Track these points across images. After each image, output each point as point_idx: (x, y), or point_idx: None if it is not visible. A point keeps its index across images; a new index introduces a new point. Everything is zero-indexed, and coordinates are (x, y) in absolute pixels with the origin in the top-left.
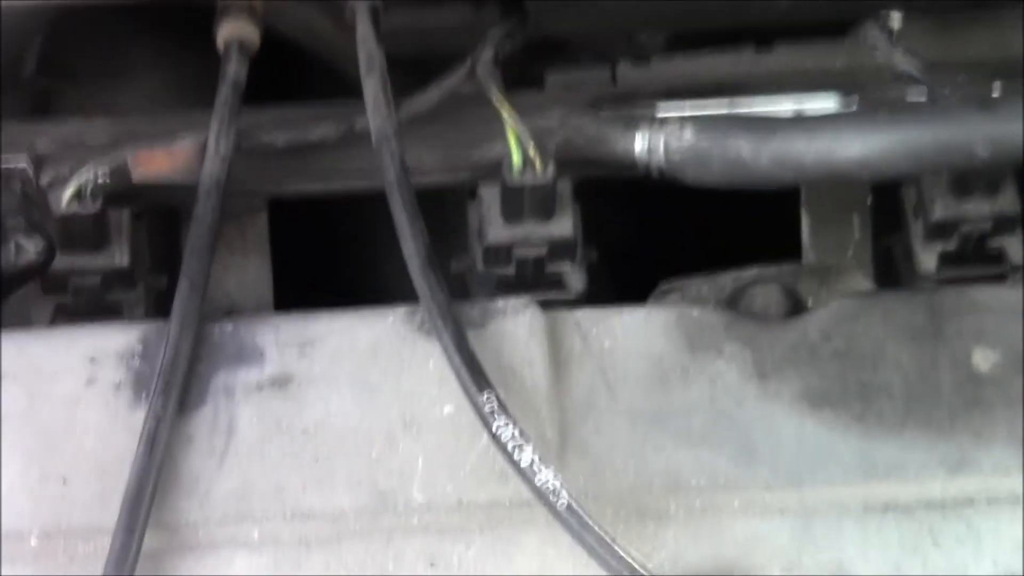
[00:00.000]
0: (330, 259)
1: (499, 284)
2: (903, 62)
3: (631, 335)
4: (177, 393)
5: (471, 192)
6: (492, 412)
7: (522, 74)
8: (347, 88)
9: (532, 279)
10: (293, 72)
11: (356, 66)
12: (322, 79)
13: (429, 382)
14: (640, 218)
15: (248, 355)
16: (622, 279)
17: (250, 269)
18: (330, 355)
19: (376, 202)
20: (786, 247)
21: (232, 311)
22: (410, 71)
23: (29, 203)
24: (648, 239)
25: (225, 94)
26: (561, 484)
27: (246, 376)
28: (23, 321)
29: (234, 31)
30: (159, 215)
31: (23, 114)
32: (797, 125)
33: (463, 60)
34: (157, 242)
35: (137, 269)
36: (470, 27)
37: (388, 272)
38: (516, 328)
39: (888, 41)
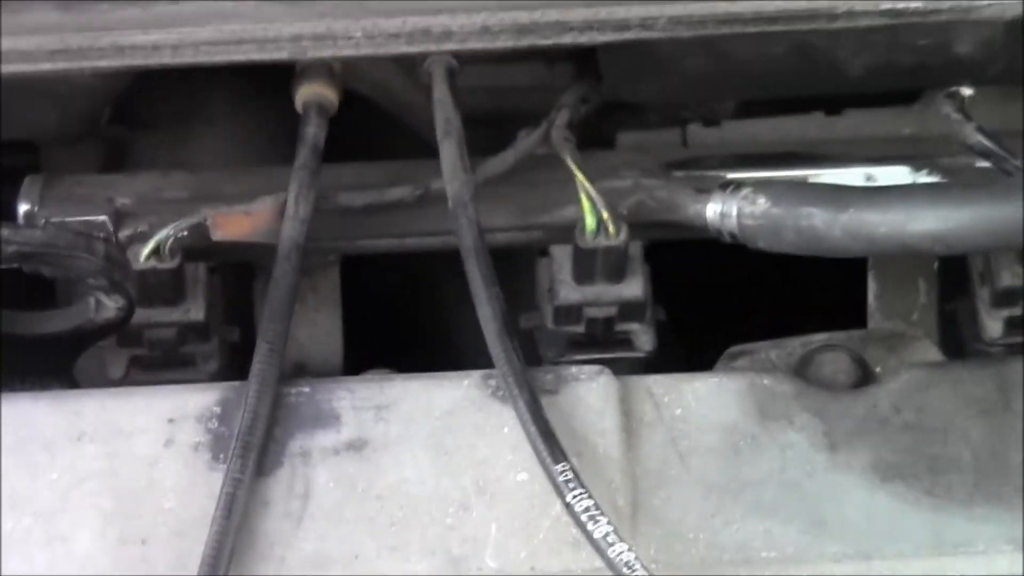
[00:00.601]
0: (402, 317)
1: (569, 343)
2: (972, 133)
3: (703, 403)
4: (255, 456)
5: (542, 251)
6: (567, 482)
7: (594, 133)
8: (421, 144)
9: (602, 339)
10: (368, 128)
11: (431, 125)
12: (397, 135)
13: (503, 448)
14: (707, 279)
15: (325, 418)
16: (690, 341)
17: (321, 323)
18: (405, 419)
19: (449, 260)
20: (852, 311)
21: (302, 364)
22: (483, 124)
23: (111, 262)
24: (714, 301)
25: (304, 156)
26: (636, 558)
27: (323, 440)
28: (97, 373)
29: (313, 93)
30: (233, 268)
31: (97, 165)
32: (870, 196)
33: (538, 123)
34: (231, 294)
35: (212, 322)
36: (543, 85)
37: (460, 331)
38: (589, 395)
39: (958, 111)
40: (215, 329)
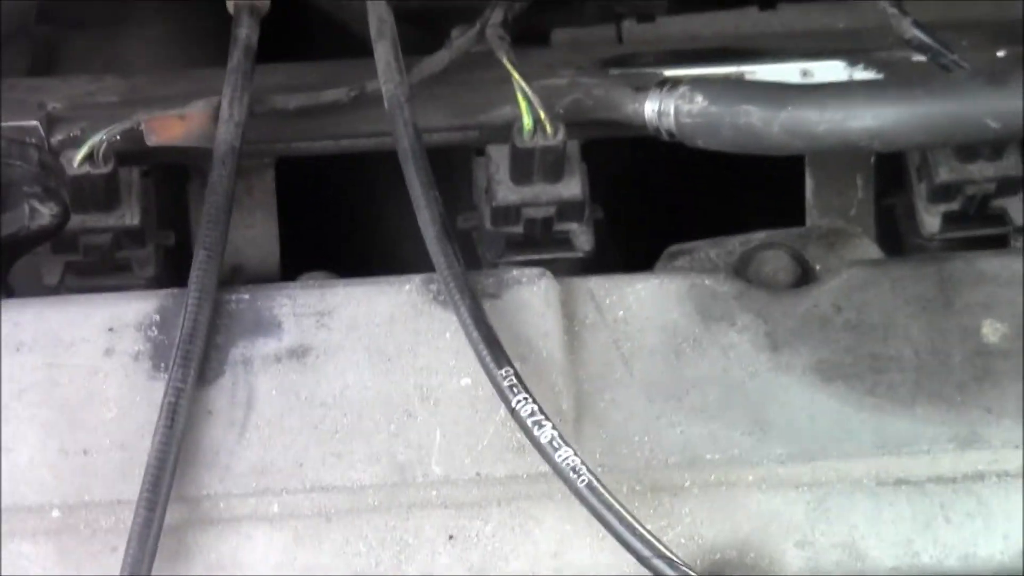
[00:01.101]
0: (340, 219)
1: (508, 243)
2: (909, 28)
3: (644, 305)
4: (196, 365)
5: (478, 151)
6: (511, 387)
7: (529, 30)
8: (357, 44)
9: (540, 238)
10: (300, 27)
11: (364, 24)
12: (331, 35)
13: (446, 354)
14: (645, 178)
15: (266, 326)
16: (627, 241)
17: (257, 226)
18: (347, 326)
19: (386, 161)
20: (790, 208)
21: (239, 268)
22: (417, 23)
23: (45, 169)
24: (653, 200)
25: (237, 59)
26: (581, 462)
27: (264, 347)
28: (32, 280)
29: None
30: (167, 171)
31: (26, 67)
32: (809, 94)
33: (472, 21)
34: (165, 199)
35: (147, 227)
36: None
37: (399, 234)
38: (531, 298)
39: (894, 5)
40: (150, 234)
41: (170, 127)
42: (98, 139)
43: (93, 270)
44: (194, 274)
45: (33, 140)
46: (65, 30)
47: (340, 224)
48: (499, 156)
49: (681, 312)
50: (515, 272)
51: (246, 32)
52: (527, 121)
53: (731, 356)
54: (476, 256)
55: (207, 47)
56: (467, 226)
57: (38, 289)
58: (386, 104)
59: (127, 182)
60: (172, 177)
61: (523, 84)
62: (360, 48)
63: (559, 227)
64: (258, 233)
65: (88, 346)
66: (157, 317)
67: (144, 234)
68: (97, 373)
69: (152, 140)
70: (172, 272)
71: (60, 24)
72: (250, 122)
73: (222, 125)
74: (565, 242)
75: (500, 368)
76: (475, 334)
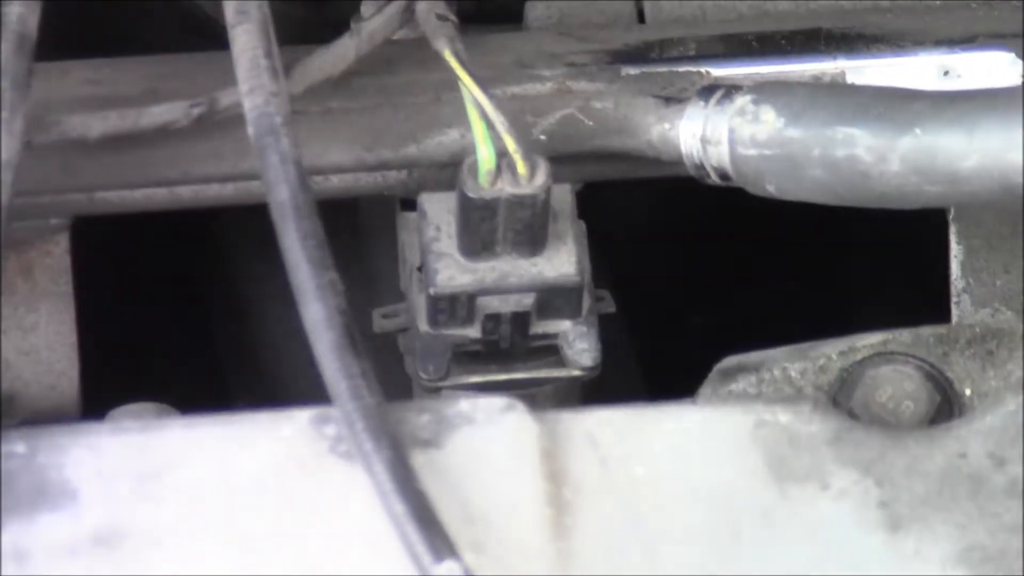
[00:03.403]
0: (173, 316)
1: (456, 355)
2: None
3: (680, 457)
4: None
5: (405, 202)
6: None
7: (487, 2)
8: (197, 29)
9: (510, 347)
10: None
11: (213, 3)
12: (153, 17)
13: (351, 540)
14: (675, 234)
15: (54, 496)
16: (652, 344)
17: (42, 329)
18: (187, 495)
19: (249, 220)
20: (921, 290)
21: (12, 398)
22: None
23: None
24: (691, 274)
25: (3, 56)
26: None
27: (51, 530)
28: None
29: None
30: None
31: None
32: (948, 108)
33: None
34: None
35: None
36: None
37: (271, 340)
38: (493, 447)
39: None
40: None
41: None
42: None
43: None
44: None
45: None
46: None
47: (177, 323)
48: (438, 212)
49: (741, 468)
50: (466, 404)
51: (19, 11)
52: (485, 154)
53: (822, 540)
54: (405, 379)
55: None
56: (389, 328)
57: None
58: (250, 128)
59: None
60: None
61: (476, 90)
62: (208, 39)
63: (541, 329)
64: (43, 341)
65: None
66: None
67: None
68: None
69: None
70: None
71: None
72: (28, 159)
73: None
74: (550, 353)
75: (440, 562)
76: (398, 507)
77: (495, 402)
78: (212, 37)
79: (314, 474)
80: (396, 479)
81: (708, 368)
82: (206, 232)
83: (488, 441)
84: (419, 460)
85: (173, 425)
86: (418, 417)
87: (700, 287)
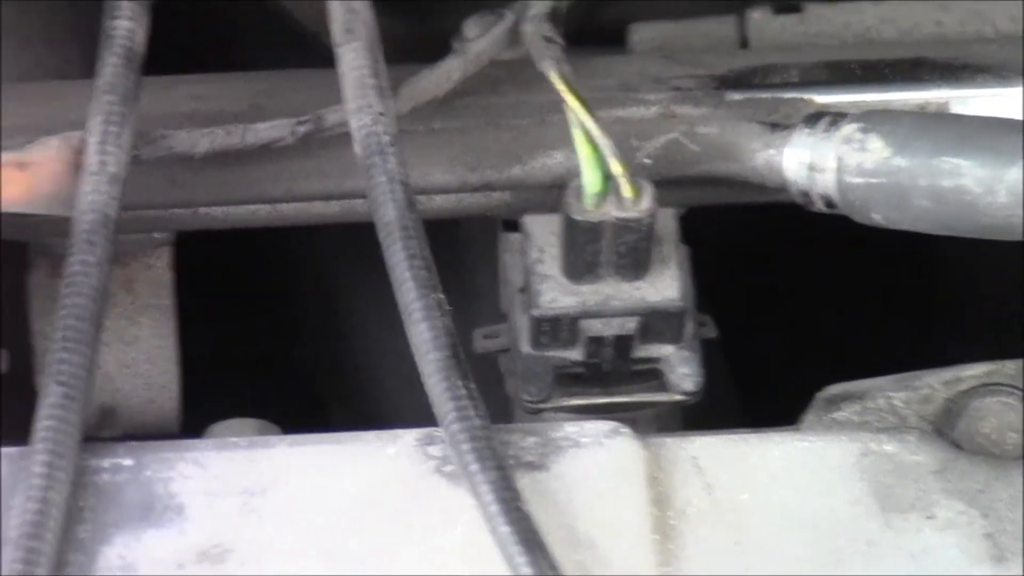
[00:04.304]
0: (277, 332)
1: (558, 378)
2: None
3: (785, 483)
4: (47, 573)
5: (508, 223)
6: None
7: (593, 26)
8: (304, 48)
9: (613, 371)
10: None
11: (320, 17)
12: (264, 34)
13: (454, 559)
14: (774, 259)
15: (159, 511)
16: (755, 370)
17: (144, 342)
18: (293, 513)
19: (355, 240)
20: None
21: (112, 410)
22: (402, 13)
23: None
24: (794, 300)
25: (112, 68)
26: None
27: (156, 545)
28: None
29: None
30: None
31: None
32: None
33: (497, 8)
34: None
35: None
36: None
37: (376, 359)
38: (597, 471)
39: None
40: None
41: (4, 183)
42: None
43: None
44: (41, 424)
45: None
46: None
47: (280, 339)
48: (543, 234)
49: (846, 496)
50: (572, 427)
51: (127, 26)
52: (591, 177)
53: (926, 570)
54: (504, 398)
55: (59, 49)
56: (489, 348)
57: None
58: (358, 148)
59: None
60: (2, 265)
61: (583, 114)
62: (314, 58)
63: (643, 352)
64: (143, 354)
65: None
66: None
67: None
68: None
69: None
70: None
71: None
72: (134, 175)
73: (87, 180)
74: (651, 377)
75: None
76: (503, 529)
77: (601, 426)
78: (314, 55)
79: (419, 494)
80: (502, 500)
81: (810, 394)
82: (304, 249)
83: (594, 465)
84: (524, 482)
85: (279, 443)
86: (524, 439)
87: (805, 311)
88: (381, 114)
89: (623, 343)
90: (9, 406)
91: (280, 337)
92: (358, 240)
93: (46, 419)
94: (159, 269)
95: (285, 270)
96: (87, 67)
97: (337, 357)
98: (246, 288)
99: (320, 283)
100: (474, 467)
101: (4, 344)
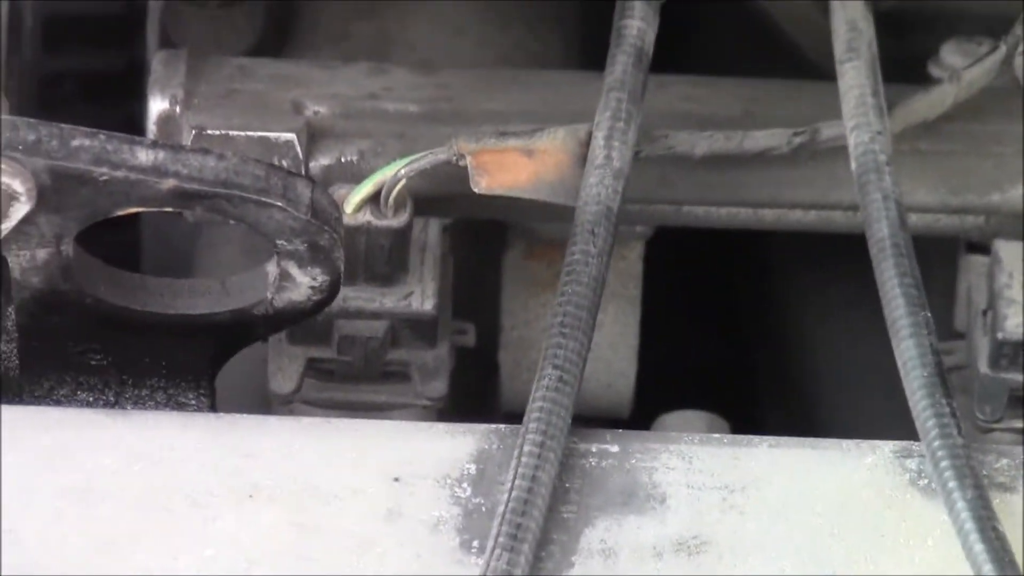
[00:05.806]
0: (722, 328)
1: (1012, 399)
2: None
3: None
4: (530, 550)
5: (973, 246)
6: None
7: None
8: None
9: None
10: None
11: (816, 30)
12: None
13: (925, 569)
14: None
15: (642, 498)
16: None
17: (606, 328)
18: (771, 511)
19: (801, 247)
20: None
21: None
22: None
23: (318, 216)
24: None
25: (622, 66)
26: None
27: (638, 531)
28: (250, 383)
29: None
30: (473, 231)
31: (250, 36)
32: None
33: (975, 30)
34: (465, 272)
35: (442, 316)
36: None
37: (825, 362)
38: None
39: None
40: (444, 328)
41: (510, 167)
42: (392, 174)
43: (350, 377)
44: (535, 405)
45: (286, 162)
46: None
47: (715, 338)
48: (1012, 260)
49: None
50: None
51: (638, 25)
52: None
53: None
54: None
55: (564, 39)
56: (948, 364)
57: (257, 400)
58: (854, 163)
59: (419, 243)
60: (479, 241)
61: None
62: (803, 69)
63: None
64: (606, 339)
65: (361, 503)
66: (471, 467)
67: (437, 327)
68: (373, 547)
69: (481, 185)
70: (465, 393)
71: None
72: (633, 169)
73: (592, 172)
74: None
75: None
76: (977, 547)
77: None
78: (800, 66)
79: (894, 504)
80: (977, 519)
81: None
82: (754, 254)
83: None
84: (995, 503)
85: (760, 443)
86: (998, 460)
87: None
88: (879, 133)
89: None
90: (467, 378)
91: (721, 336)
92: (812, 250)
93: (540, 400)
94: (631, 260)
95: (730, 271)
96: (567, 55)
97: (779, 362)
98: (691, 285)
99: (766, 287)
100: (951, 484)
101: (471, 319)
